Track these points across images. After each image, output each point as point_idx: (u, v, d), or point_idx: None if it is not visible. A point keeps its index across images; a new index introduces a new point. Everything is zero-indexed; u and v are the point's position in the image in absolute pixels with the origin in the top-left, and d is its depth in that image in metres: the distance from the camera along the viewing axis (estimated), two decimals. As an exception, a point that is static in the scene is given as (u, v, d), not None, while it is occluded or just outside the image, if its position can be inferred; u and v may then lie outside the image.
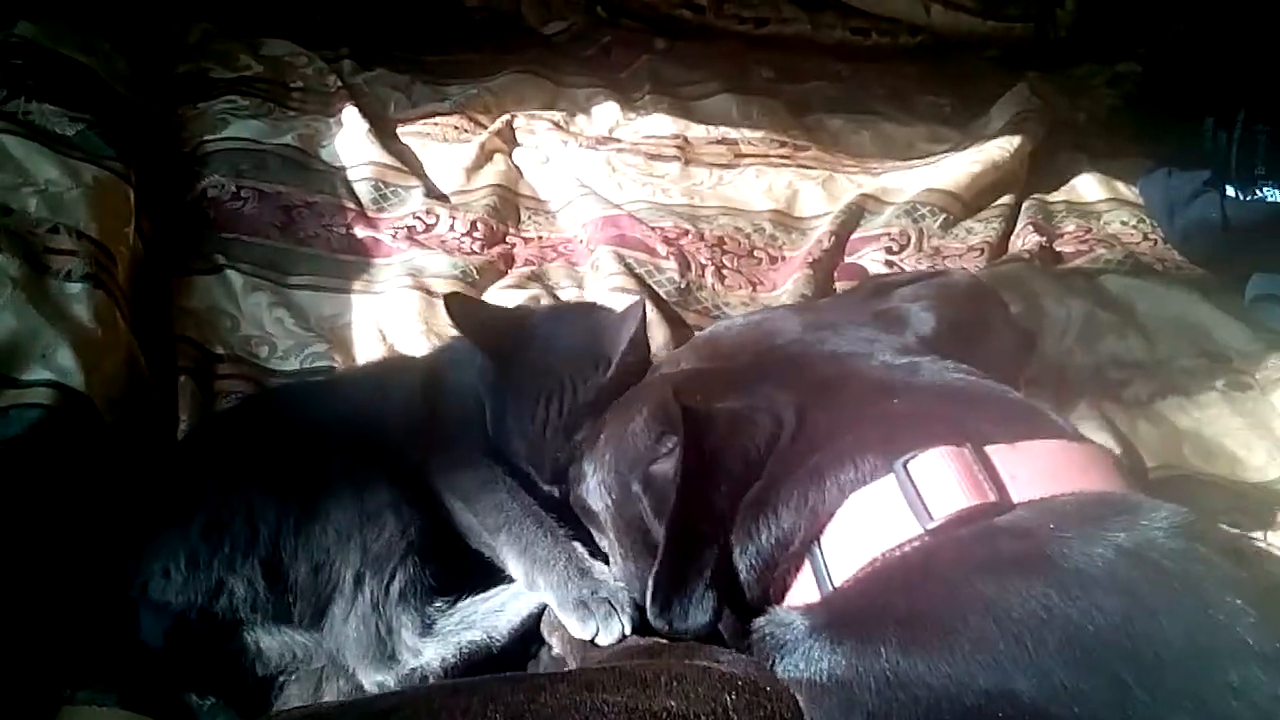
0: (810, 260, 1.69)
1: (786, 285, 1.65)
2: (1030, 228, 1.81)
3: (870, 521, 0.82)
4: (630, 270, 1.61)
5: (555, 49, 2.28)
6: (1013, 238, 1.82)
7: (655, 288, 1.61)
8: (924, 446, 0.82)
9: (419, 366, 1.27)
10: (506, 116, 1.98)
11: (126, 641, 0.99)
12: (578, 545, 1.03)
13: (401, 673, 0.98)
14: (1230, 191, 1.87)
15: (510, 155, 1.91)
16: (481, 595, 1.04)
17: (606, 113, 2.05)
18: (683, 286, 1.63)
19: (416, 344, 1.44)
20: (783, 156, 1.99)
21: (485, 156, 1.86)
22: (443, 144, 1.90)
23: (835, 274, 1.71)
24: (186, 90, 1.86)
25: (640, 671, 0.77)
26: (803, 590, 0.87)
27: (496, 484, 1.07)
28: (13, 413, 1.10)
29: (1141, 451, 1.34)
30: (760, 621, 0.86)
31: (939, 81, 2.28)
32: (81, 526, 1.07)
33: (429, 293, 1.53)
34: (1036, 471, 0.81)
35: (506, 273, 1.63)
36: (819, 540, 0.85)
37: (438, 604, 1.03)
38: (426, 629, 1.01)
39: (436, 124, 1.95)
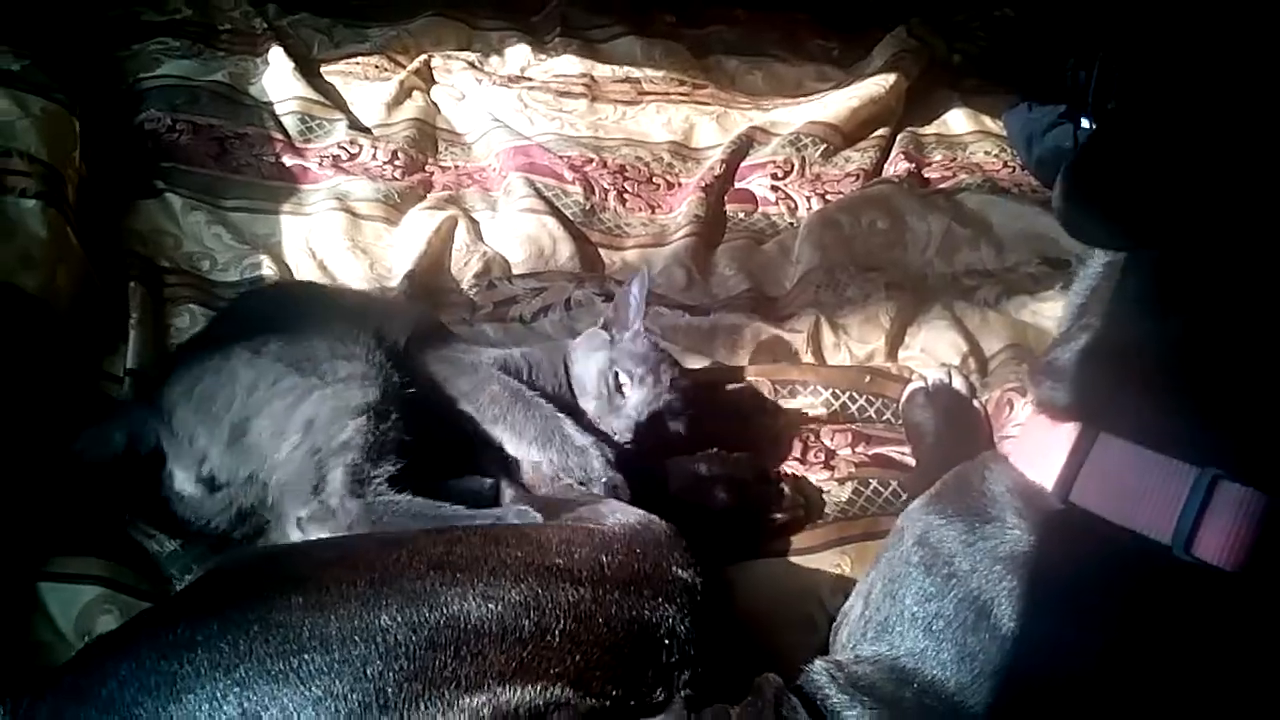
0: (703, 185, 1.86)
1: (682, 208, 1.83)
2: (901, 156, 2.01)
3: (1146, 487, 0.73)
4: (539, 194, 1.78)
5: (469, -7, 2.41)
6: (886, 165, 2.01)
7: (562, 209, 1.78)
8: (1242, 475, 0.71)
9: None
10: (424, 56, 2.11)
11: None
12: (568, 424, 1.16)
13: (320, 512, 1.03)
14: (1085, 124, 2.08)
15: (428, 92, 2.05)
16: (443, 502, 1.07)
17: (518, 54, 2.20)
18: (587, 208, 1.80)
19: (343, 259, 1.60)
20: (682, 94, 2.16)
21: (404, 93, 2.00)
22: (364, 82, 2.03)
23: (725, 198, 1.89)
24: (119, 33, 1.96)
25: (537, 534, 0.90)
26: (1061, 441, 0.80)
27: (492, 381, 1.19)
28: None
29: (990, 338, 1.53)
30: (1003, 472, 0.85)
31: (828, 26, 2.46)
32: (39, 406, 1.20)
33: (354, 214, 1.68)
34: None
35: (425, 197, 1.78)
36: (1102, 428, 0.78)
37: (384, 468, 1.06)
38: (358, 484, 1.04)
39: (358, 63, 2.07)
